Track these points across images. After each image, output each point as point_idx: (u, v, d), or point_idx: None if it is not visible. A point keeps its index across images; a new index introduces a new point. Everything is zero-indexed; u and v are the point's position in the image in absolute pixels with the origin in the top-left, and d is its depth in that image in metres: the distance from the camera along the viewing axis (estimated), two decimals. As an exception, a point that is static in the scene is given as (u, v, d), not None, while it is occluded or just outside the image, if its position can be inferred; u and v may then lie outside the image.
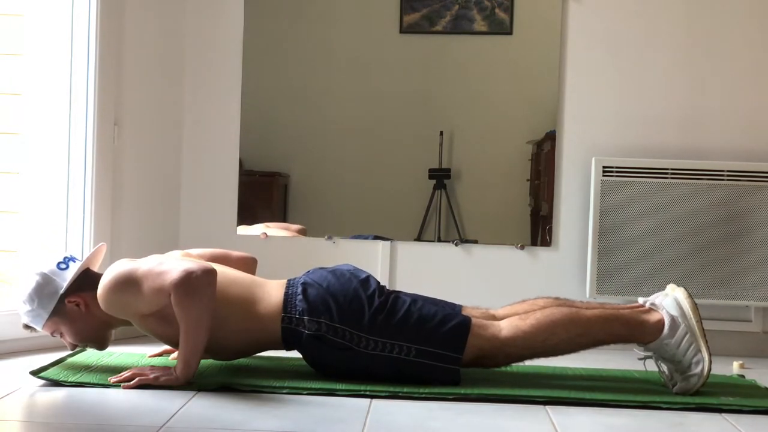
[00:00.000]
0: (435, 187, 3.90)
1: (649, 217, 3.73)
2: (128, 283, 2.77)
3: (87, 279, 2.92)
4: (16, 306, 2.99)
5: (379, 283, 2.95)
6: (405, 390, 2.77)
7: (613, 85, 3.85)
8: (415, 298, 2.92)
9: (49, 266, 2.92)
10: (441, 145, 3.90)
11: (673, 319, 2.85)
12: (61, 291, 2.88)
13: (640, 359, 2.97)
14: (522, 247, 3.87)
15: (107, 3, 3.48)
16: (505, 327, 2.87)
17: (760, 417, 2.66)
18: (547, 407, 2.68)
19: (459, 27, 3.92)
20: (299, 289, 2.88)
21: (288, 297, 2.87)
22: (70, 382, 2.74)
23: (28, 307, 2.89)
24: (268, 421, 2.45)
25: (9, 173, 3.61)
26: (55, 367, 2.89)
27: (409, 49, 3.97)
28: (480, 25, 3.92)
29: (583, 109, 3.86)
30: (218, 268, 2.85)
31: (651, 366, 2.97)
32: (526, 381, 2.98)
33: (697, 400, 2.76)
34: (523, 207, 3.93)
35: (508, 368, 3.18)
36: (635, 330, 2.87)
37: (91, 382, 2.75)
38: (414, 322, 2.85)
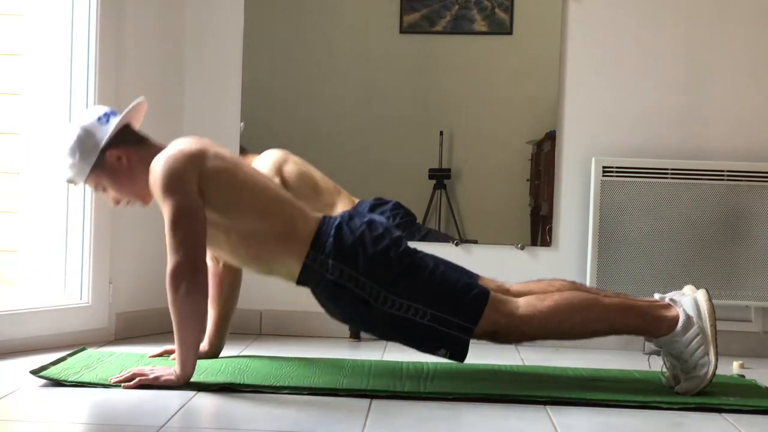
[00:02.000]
0: (435, 187, 3.90)
1: (649, 217, 3.72)
2: (161, 191, 2.75)
3: (129, 134, 2.90)
4: (57, 162, 2.96)
5: (407, 243, 2.91)
6: (405, 390, 2.77)
7: (613, 85, 3.85)
8: (438, 262, 2.90)
9: (90, 119, 2.88)
10: (441, 145, 3.90)
11: (688, 318, 2.84)
12: (102, 144, 2.84)
13: (646, 354, 2.96)
14: (522, 247, 3.87)
15: (107, 3, 3.48)
16: (523, 305, 2.85)
17: (760, 417, 2.66)
18: (547, 407, 2.68)
19: (459, 27, 3.92)
20: (332, 231, 2.84)
21: (320, 234, 2.84)
22: (70, 382, 2.74)
23: (70, 161, 2.85)
24: (268, 421, 2.45)
25: (9, 173, 3.61)
26: (55, 367, 2.89)
27: (409, 49, 3.97)
28: (480, 25, 3.92)
29: (583, 109, 3.86)
30: (270, 181, 2.93)
31: (655, 364, 2.96)
32: (526, 381, 2.99)
33: (697, 400, 2.76)
34: (523, 207, 3.93)
35: (508, 368, 3.18)
36: (650, 323, 2.85)
37: (91, 382, 2.75)
38: (435, 286, 2.83)
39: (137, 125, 2.97)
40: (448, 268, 2.91)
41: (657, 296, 2.94)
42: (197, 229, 2.75)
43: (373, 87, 3.96)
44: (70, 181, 2.94)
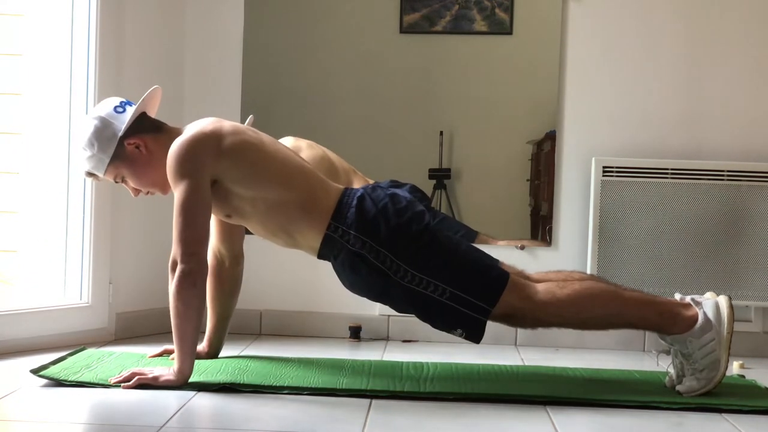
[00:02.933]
0: (435, 187, 3.90)
1: (649, 217, 3.72)
2: (174, 174, 2.76)
3: (146, 122, 2.89)
4: (76, 155, 2.96)
5: (431, 218, 2.90)
6: (405, 390, 2.77)
7: (613, 85, 3.85)
8: (460, 242, 2.91)
9: (106, 110, 2.87)
10: (441, 145, 3.90)
11: (707, 320, 2.82)
12: (120, 133, 2.83)
13: (656, 352, 2.95)
14: (522, 247, 3.86)
15: (107, 3, 3.49)
16: (542, 291, 2.84)
17: (760, 417, 2.66)
18: (547, 407, 2.68)
19: (459, 27, 3.92)
20: (354, 201, 2.83)
21: (342, 205, 2.83)
22: (70, 381, 2.74)
23: (88, 153, 2.84)
24: (268, 421, 2.45)
25: (9, 173, 3.61)
26: (55, 367, 2.89)
27: (409, 49, 3.97)
28: (480, 25, 3.92)
29: (583, 109, 3.86)
30: (292, 152, 2.93)
31: (662, 363, 2.95)
32: (526, 381, 2.99)
33: (697, 400, 2.76)
34: (523, 207, 3.93)
35: (508, 368, 3.18)
36: (667, 320, 2.84)
37: (91, 382, 2.75)
38: (456, 265, 2.82)
39: (153, 113, 2.97)
40: (470, 247, 2.91)
41: (678, 296, 2.93)
42: (199, 222, 2.75)
43: (373, 87, 3.96)
44: (89, 173, 2.91)
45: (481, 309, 2.80)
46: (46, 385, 2.73)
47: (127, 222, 3.62)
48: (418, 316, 2.87)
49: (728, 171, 3.72)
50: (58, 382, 2.74)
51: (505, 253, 3.84)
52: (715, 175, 3.71)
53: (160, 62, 3.83)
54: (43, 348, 3.24)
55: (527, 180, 3.91)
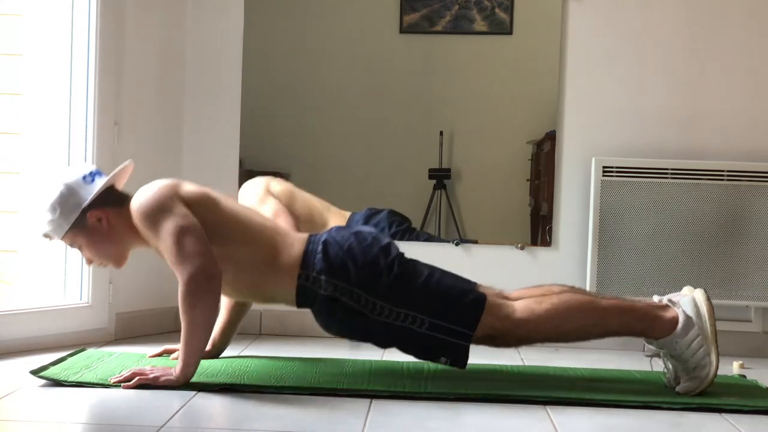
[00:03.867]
0: (435, 187, 3.90)
1: (649, 217, 3.72)
2: (154, 219, 2.74)
3: (112, 195, 2.88)
4: (36, 215, 2.94)
5: (399, 251, 2.90)
6: (405, 390, 2.77)
7: (613, 85, 3.85)
8: (433, 270, 2.89)
9: (75, 177, 2.86)
10: (441, 145, 3.90)
11: (687, 318, 2.83)
12: (85, 204, 2.83)
13: (647, 356, 2.96)
14: (522, 247, 3.86)
15: (107, 3, 3.48)
16: (520, 308, 2.84)
17: (760, 417, 2.66)
18: (547, 407, 2.68)
19: (459, 27, 3.92)
20: (320, 247, 2.84)
21: (308, 253, 2.84)
22: (70, 382, 2.74)
23: (49, 216, 2.84)
24: (268, 421, 2.45)
25: (9, 173, 3.61)
26: (55, 367, 2.89)
27: (409, 49, 3.97)
28: (480, 25, 3.92)
29: (583, 109, 3.86)
30: (252, 210, 2.90)
31: (656, 365, 2.96)
32: (526, 381, 2.99)
33: (698, 400, 2.76)
34: (523, 207, 3.93)
35: (508, 368, 3.18)
36: (648, 324, 2.85)
37: (91, 382, 2.74)
38: (430, 294, 2.82)
39: (121, 186, 2.96)
40: (443, 275, 2.90)
41: (656, 298, 2.94)
42: (201, 239, 2.74)
43: (373, 87, 3.96)
44: (45, 235, 2.91)
45: (462, 334, 2.81)
46: (46, 385, 2.73)
47: (127, 222, 3.61)
48: (402, 350, 2.87)
49: (728, 171, 3.72)
50: (58, 383, 2.74)
51: (506, 254, 3.85)
52: (715, 175, 3.71)
53: (160, 62, 3.83)
54: (43, 348, 3.24)
55: (527, 180, 3.91)
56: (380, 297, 2.80)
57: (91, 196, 2.83)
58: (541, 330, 2.84)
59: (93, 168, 2.92)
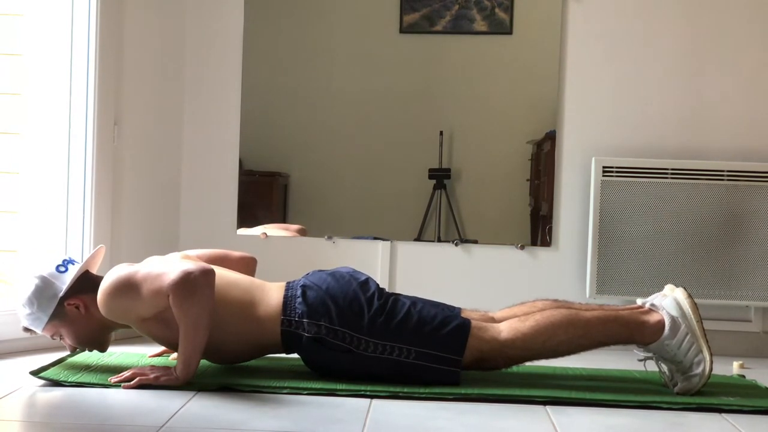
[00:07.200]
0: (435, 187, 3.90)
1: (649, 217, 3.72)
2: (127, 287, 2.76)
3: (86, 281, 2.91)
4: (15, 309, 2.98)
5: (378, 285, 2.95)
6: (405, 390, 2.77)
7: (613, 85, 3.85)
8: (415, 301, 2.92)
9: (48, 269, 2.91)
10: (441, 145, 3.90)
11: (673, 319, 2.85)
12: (61, 294, 2.87)
13: (640, 360, 2.97)
14: (522, 247, 3.87)
15: (107, 3, 3.48)
16: (505, 329, 2.87)
17: (760, 417, 2.66)
18: (547, 407, 2.68)
19: (459, 27, 3.92)
20: (299, 292, 2.87)
21: (287, 299, 2.87)
22: (70, 382, 2.74)
23: (27, 311, 2.89)
24: (268, 421, 2.45)
25: (9, 173, 3.61)
26: (55, 367, 2.89)
27: (409, 49, 3.97)
28: (480, 25, 3.92)
29: (583, 109, 3.86)
30: (217, 270, 2.84)
31: (651, 367, 2.97)
32: (526, 381, 2.98)
33: (697, 400, 2.76)
34: (523, 207, 3.93)
35: (508, 368, 3.18)
36: (635, 331, 2.87)
37: (91, 382, 2.75)
38: (413, 324, 2.84)
39: (95, 270, 3.00)
40: (425, 304, 2.91)
41: (639, 301, 2.95)
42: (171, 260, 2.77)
43: (373, 87, 3.96)
44: (27, 330, 2.94)
45: (451, 360, 2.83)
46: (46, 385, 2.73)
47: (126, 222, 3.62)
48: (395, 382, 2.86)
49: (728, 171, 3.72)
50: (57, 383, 2.74)
51: (506, 254, 3.85)
52: (715, 175, 3.72)
53: (160, 62, 3.83)
54: (43, 348, 3.24)
55: (527, 180, 3.91)
56: (364, 333, 2.82)
57: (66, 285, 2.87)
58: (529, 347, 2.86)
59: (66, 257, 2.97)
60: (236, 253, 3.16)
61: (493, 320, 2.97)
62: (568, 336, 2.85)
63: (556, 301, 2.99)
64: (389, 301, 2.89)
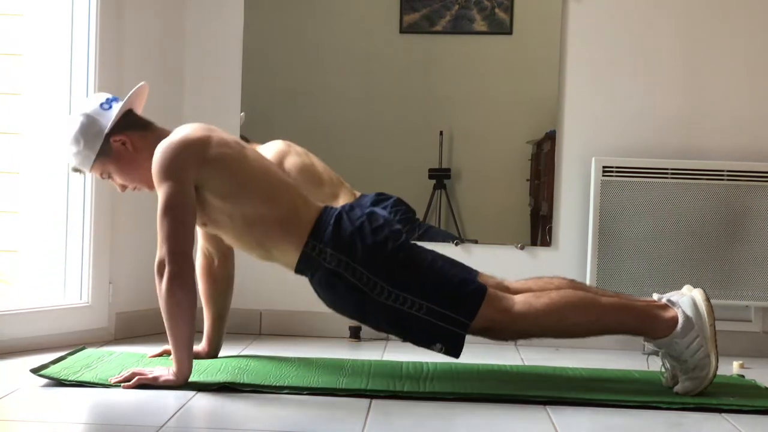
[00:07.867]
0: (435, 187, 3.90)
1: (649, 217, 3.72)
2: (158, 177, 2.75)
3: (132, 119, 2.90)
4: (62, 152, 2.96)
5: (406, 235, 2.91)
6: (405, 390, 2.77)
7: (613, 85, 3.85)
8: (436, 257, 2.90)
9: (92, 106, 2.88)
10: (441, 145, 3.90)
11: (687, 319, 2.83)
12: (107, 130, 2.84)
13: (645, 354, 2.96)
14: (522, 247, 3.87)
15: (107, 3, 3.48)
16: (519, 302, 2.84)
17: (760, 417, 2.66)
18: (547, 407, 2.68)
19: (459, 27, 3.92)
20: (332, 220, 2.84)
21: (319, 224, 2.84)
22: (70, 381, 2.74)
23: (74, 149, 2.86)
24: (268, 421, 2.45)
25: (9, 173, 3.61)
26: (55, 366, 2.89)
27: (409, 49, 3.97)
28: (480, 25, 3.92)
29: (583, 108, 3.86)
30: (277, 167, 2.95)
31: (653, 364, 2.96)
32: (526, 381, 2.99)
33: (697, 400, 2.76)
34: (523, 207, 3.93)
35: (508, 368, 3.18)
36: (647, 324, 2.85)
37: (91, 381, 2.74)
38: (432, 280, 2.82)
39: (139, 110, 2.98)
40: (446, 262, 2.90)
41: (655, 296, 2.93)
42: (185, 220, 2.74)
43: (373, 87, 3.96)
44: (75, 169, 2.93)
45: (460, 323, 2.81)
46: (46, 385, 2.73)
47: (126, 222, 3.62)
48: (396, 334, 2.87)
49: (728, 171, 3.72)
50: (58, 382, 2.74)
51: (506, 254, 3.85)
52: (715, 175, 3.72)
53: (160, 62, 3.82)
54: (43, 348, 3.24)
55: (527, 180, 3.91)
56: (382, 278, 2.80)
57: (112, 121, 2.84)
58: (540, 324, 2.83)
59: (109, 95, 2.93)
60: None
61: (508, 289, 2.93)
62: (581, 319, 2.83)
63: (573, 281, 2.97)
64: (414, 253, 2.87)
